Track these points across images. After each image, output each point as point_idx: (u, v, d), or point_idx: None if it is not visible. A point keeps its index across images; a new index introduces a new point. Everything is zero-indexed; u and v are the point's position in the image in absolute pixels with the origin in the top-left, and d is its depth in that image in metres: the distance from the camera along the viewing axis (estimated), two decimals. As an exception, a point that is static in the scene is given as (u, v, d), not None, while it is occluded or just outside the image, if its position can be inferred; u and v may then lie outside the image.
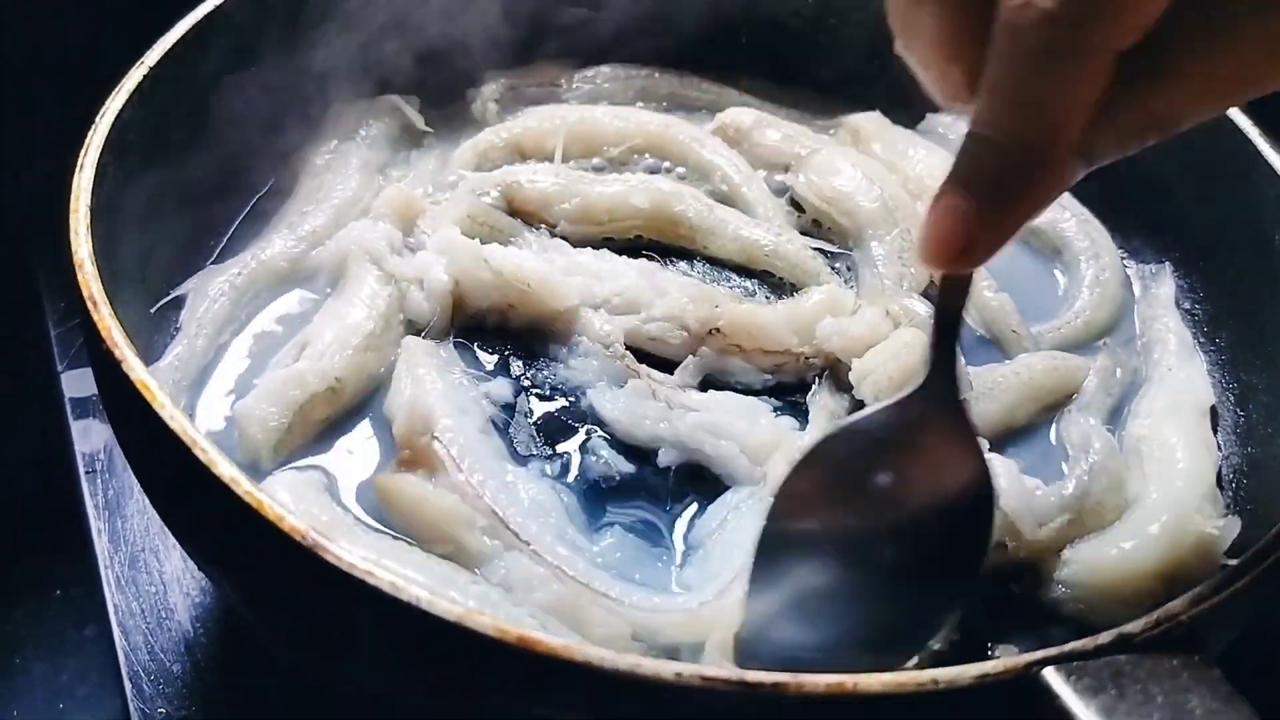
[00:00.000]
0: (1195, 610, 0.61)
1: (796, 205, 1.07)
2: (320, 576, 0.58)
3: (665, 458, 0.85)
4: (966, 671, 0.56)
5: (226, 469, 0.61)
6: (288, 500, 0.75)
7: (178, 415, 0.63)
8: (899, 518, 0.68)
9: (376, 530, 0.77)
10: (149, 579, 0.94)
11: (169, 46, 0.91)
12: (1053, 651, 0.58)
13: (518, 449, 0.86)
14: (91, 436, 1.05)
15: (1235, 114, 0.97)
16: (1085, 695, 0.56)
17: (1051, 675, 0.57)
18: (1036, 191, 0.56)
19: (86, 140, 0.82)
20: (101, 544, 0.97)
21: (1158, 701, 0.56)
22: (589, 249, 0.99)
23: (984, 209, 0.56)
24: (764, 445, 0.84)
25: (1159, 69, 0.54)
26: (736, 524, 0.80)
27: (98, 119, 0.83)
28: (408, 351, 0.88)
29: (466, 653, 0.57)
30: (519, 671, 0.57)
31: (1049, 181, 0.56)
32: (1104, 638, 0.60)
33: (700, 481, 0.85)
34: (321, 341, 0.86)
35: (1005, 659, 0.57)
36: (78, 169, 0.80)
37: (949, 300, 0.68)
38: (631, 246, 1.02)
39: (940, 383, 0.68)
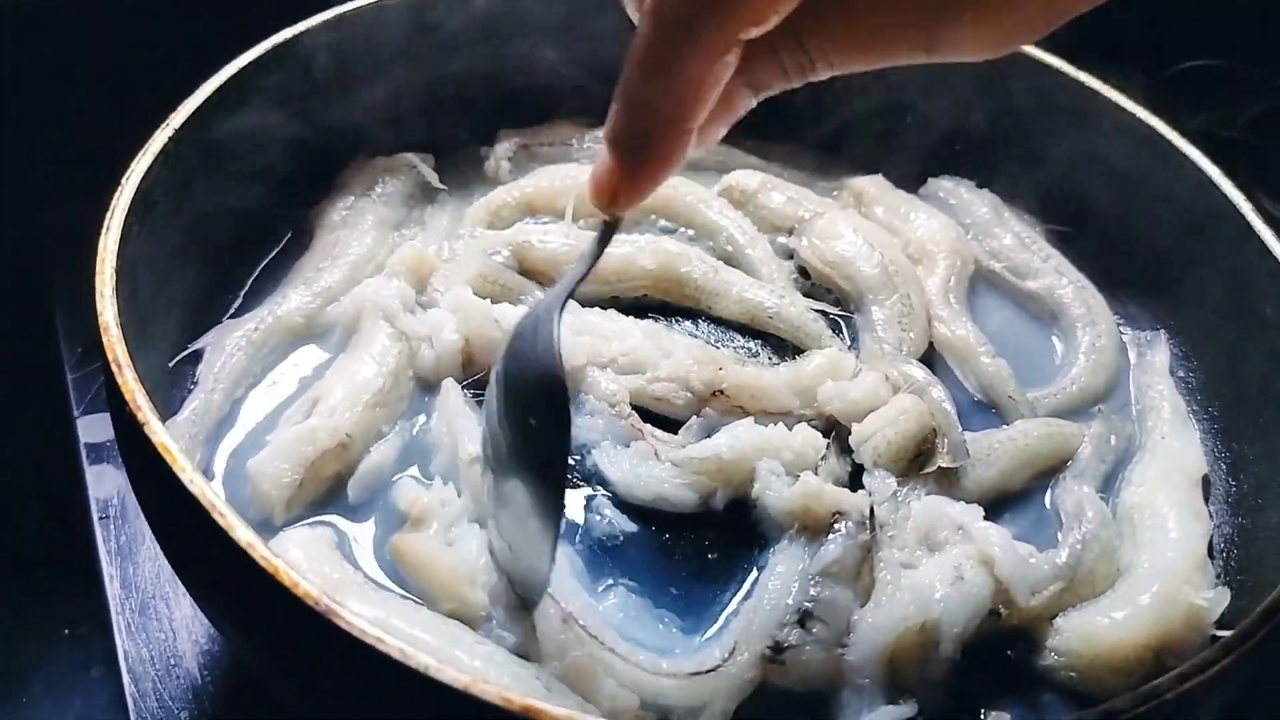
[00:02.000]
0: (1181, 688, 0.63)
1: (802, 269, 1.09)
2: (332, 640, 0.60)
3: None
4: (956, 747, 0.58)
5: (244, 533, 0.63)
6: (300, 558, 0.77)
7: (198, 479, 0.66)
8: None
9: (384, 588, 0.79)
10: (159, 626, 0.96)
11: (193, 109, 0.94)
12: (1041, 728, 0.60)
13: (523, 508, 0.87)
14: (105, 482, 1.07)
15: (1229, 189, 1.00)
16: (1072, 771, 0.58)
17: (1039, 751, 0.59)
18: (665, 153, 0.64)
19: (112, 202, 0.85)
20: (113, 590, 0.99)
21: (1142, 779, 0.57)
22: (597, 308, 1.01)
23: (622, 167, 0.64)
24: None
25: (814, 15, 0.61)
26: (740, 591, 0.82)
27: (123, 181, 0.86)
28: (444, 396, 0.91)
29: (473, 719, 0.59)
30: (523, 739, 0.58)
31: (676, 145, 0.63)
32: (1090, 715, 0.61)
33: (704, 544, 0.87)
34: (332, 398, 0.89)
35: (994, 735, 0.59)
36: (104, 230, 0.82)
37: (602, 235, 0.74)
38: (639, 306, 1.05)
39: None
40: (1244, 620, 0.68)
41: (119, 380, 0.71)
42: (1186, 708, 0.63)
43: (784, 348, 1.03)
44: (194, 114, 0.94)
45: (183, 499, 0.66)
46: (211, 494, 0.65)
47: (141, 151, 0.89)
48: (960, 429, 0.91)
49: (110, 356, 0.73)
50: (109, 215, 0.83)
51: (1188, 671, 0.64)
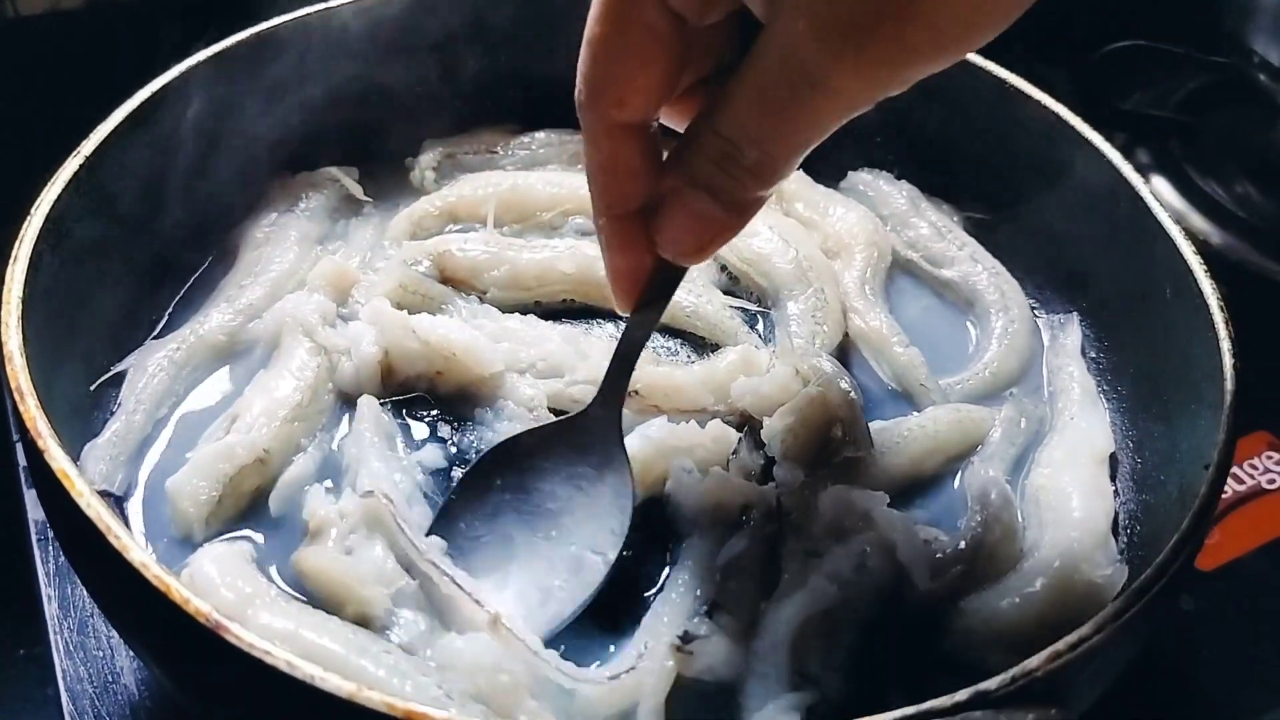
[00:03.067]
0: (1051, 666, 0.65)
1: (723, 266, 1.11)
2: (224, 656, 0.62)
3: None
4: (823, 733, 0.60)
5: (137, 554, 0.65)
6: (214, 573, 0.78)
7: (94, 502, 0.67)
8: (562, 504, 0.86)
9: (299, 600, 0.81)
10: (97, 644, 0.97)
11: (105, 135, 0.95)
12: (910, 711, 0.61)
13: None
14: (43, 505, 1.09)
15: (1129, 172, 1.01)
16: (941, 752, 0.60)
17: (908, 734, 0.61)
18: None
19: (21, 231, 0.86)
20: (51, 610, 1.00)
21: (1010, 757, 0.59)
22: (517, 315, 1.03)
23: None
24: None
25: None
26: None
27: (32, 210, 0.88)
28: (360, 413, 0.92)
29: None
30: (409, 743, 0.60)
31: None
32: (962, 695, 0.63)
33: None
34: (250, 414, 0.90)
35: (861, 720, 0.61)
36: (11, 260, 0.84)
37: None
38: (563, 309, 1.07)
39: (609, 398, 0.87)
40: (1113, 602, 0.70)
41: (21, 409, 0.73)
42: (1060, 685, 0.65)
43: (703, 345, 1.05)
44: (105, 140, 0.95)
45: (80, 522, 0.67)
46: (107, 516, 0.67)
47: (51, 180, 0.90)
48: (864, 419, 0.92)
49: (14, 385, 0.75)
50: (16, 245, 0.85)
51: (1059, 649, 0.65)
